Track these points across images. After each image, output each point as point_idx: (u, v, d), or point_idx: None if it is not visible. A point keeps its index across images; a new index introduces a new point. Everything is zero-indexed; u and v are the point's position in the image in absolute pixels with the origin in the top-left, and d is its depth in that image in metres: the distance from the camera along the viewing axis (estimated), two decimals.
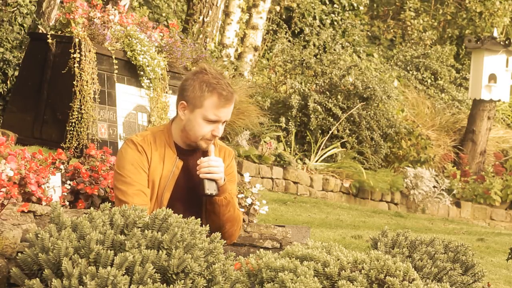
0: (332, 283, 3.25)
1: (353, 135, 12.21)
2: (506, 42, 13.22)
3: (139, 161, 3.84)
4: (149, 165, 3.86)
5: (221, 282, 3.08)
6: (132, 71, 8.58)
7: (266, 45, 15.21)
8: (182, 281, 2.99)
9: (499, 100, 13.46)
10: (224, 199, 3.86)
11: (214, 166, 3.82)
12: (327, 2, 16.44)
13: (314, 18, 15.91)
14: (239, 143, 10.65)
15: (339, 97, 12.21)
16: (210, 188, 3.82)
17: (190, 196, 3.89)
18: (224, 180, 3.86)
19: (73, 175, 4.57)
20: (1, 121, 8.45)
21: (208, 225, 3.31)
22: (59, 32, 8.24)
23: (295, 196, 10.48)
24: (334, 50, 14.96)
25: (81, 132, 7.94)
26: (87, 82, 7.99)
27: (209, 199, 3.86)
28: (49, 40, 8.11)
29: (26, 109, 8.19)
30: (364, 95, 12.27)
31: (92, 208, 3.56)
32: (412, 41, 17.79)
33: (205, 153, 3.95)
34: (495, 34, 13.38)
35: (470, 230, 10.01)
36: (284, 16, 15.71)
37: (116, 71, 8.35)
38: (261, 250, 3.44)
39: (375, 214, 10.32)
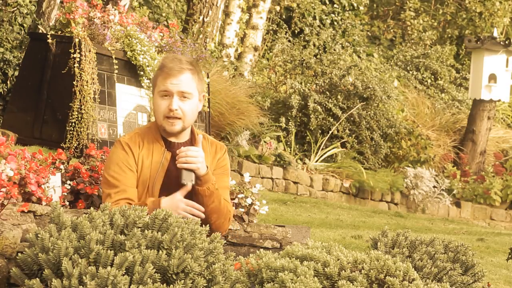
0: (332, 283, 3.25)
1: (353, 135, 12.22)
2: (506, 42, 13.22)
3: (124, 160, 3.91)
4: (136, 162, 3.92)
5: (221, 282, 3.08)
6: (132, 71, 8.58)
7: (266, 45, 15.21)
8: (182, 281, 2.99)
9: (499, 100, 13.46)
10: (207, 190, 3.89)
11: (192, 156, 3.86)
12: (327, 2, 16.43)
13: (314, 18, 15.91)
14: (239, 143, 10.65)
15: (339, 97, 12.21)
16: (186, 178, 3.85)
17: (182, 187, 3.91)
18: (207, 170, 3.89)
19: (73, 175, 4.57)
20: (1, 121, 8.45)
21: (208, 224, 3.33)
22: (59, 32, 8.24)
23: (295, 196, 10.48)
24: (334, 50, 14.95)
25: (81, 132, 7.93)
26: (87, 82, 7.99)
27: (194, 190, 3.88)
28: (49, 40, 8.10)
29: (26, 109, 8.18)
30: (364, 95, 12.27)
31: (92, 208, 3.57)
32: (412, 41, 17.79)
33: (193, 144, 3.99)
34: (495, 34, 13.38)
35: (470, 230, 10.01)
36: (284, 16, 15.71)
37: (116, 71, 8.35)
38: (261, 250, 3.44)
39: (375, 214, 10.32)
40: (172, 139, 3.99)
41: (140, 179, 3.91)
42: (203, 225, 3.30)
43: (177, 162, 3.87)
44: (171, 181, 3.92)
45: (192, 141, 4.02)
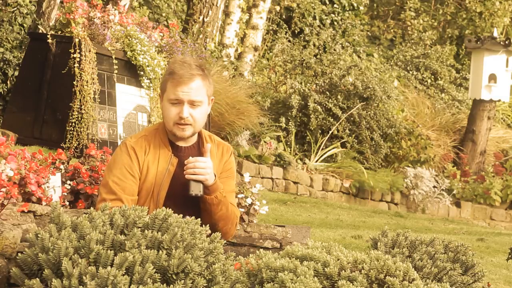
0: (332, 283, 3.25)
1: (353, 135, 12.22)
2: (506, 42, 13.22)
3: (128, 166, 3.86)
4: (140, 169, 3.87)
5: (221, 282, 3.08)
6: (132, 71, 8.58)
7: (266, 45, 15.21)
8: (182, 281, 2.99)
9: (499, 100, 13.46)
10: (215, 198, 3.86)
11: (200, 168, 3.81)
12: (327, 2, 16.43)
13: (314, 18, 15.91)
14: (239, 143, 10.64)
15: (339, 97, 12.21)
16: (195, 189, 3.81)
17: (188, 195, 3.88)
18: (215, 179, 3.85)
19: (73, 175, 4.57)
20: (1, 121, 8.45)
21: (208, 224, 3.32)
22: (59, 32, 8.24)
23: (295, 196, 10.48)
24: (334, 50, 14.95)
25: (81, 132, 7.93)
26: (87, 82, 7.99)
27: (202, 198, 3.86)
28: (49, 40, 8.11)
29: (26, 109, 8.19)
30: (364, 95, 12.27)
31: (92, 208, 3.56)
32: (412, 41, 17.79)
33: (200, 150, 3.96)
34: (495, 34, 13.37)
35: (470, 230, 10.01)
36: (284, 16, 15.71)
37: (116, 71, 8.35)
38: (261, 250, 3.44)
39: (375, 214, 10.32)
40: (180, 143, 3.95)
41: (144, 185, 3.86)
42: (203, 225, 3.30)
43: (185, 173, 3.82)
44: (176, 188, 3.88)
45: (199, 144, 3.98)
